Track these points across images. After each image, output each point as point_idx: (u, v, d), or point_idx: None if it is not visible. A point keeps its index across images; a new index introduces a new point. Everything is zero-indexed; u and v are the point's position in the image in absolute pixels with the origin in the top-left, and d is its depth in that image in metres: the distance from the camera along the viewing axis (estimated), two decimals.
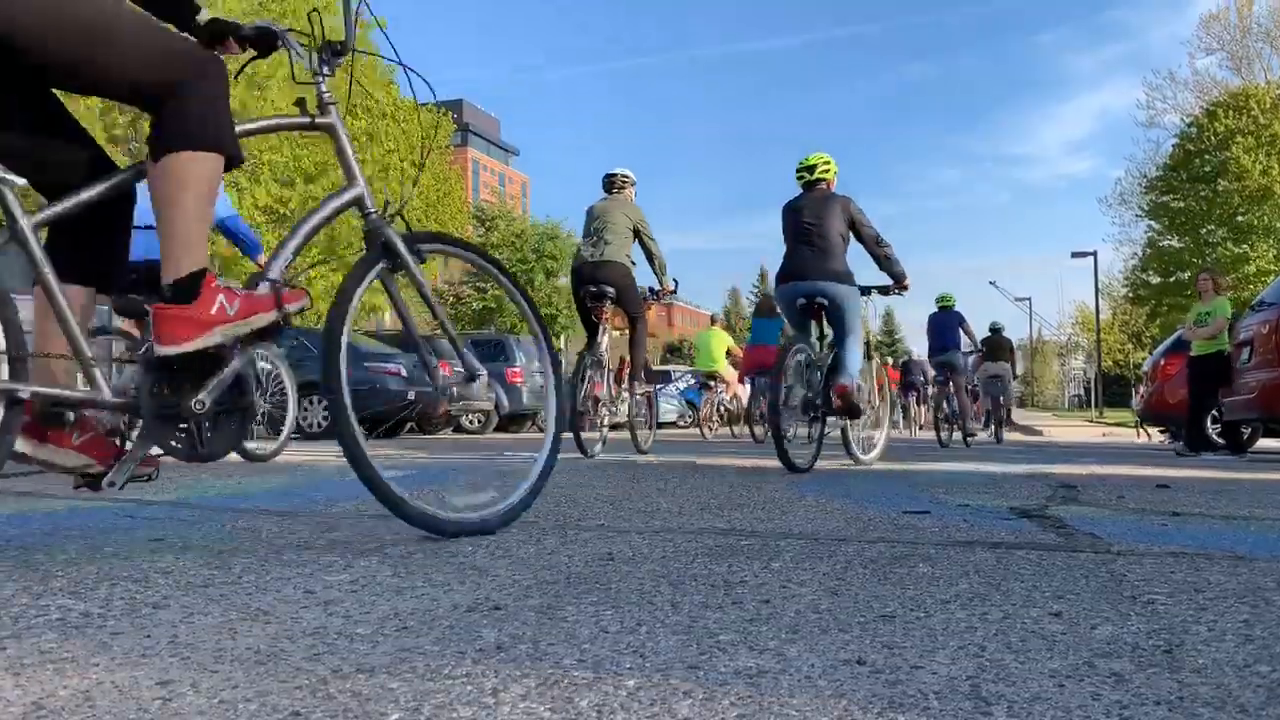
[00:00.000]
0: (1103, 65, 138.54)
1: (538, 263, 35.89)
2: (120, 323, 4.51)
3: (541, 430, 3.07)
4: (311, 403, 10.43)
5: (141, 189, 2.02)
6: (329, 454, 5.92)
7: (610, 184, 6.53)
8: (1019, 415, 25.82)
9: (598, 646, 1.22)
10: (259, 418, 5.18)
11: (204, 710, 0.95)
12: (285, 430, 5.48)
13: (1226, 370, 8.55)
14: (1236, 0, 34.22)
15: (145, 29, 1.84)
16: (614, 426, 6.67)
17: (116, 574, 1.68)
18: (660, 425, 20.89)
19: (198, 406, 1.84)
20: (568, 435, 2.60)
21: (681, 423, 22.32)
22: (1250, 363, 7.69)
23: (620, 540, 2.17)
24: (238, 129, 1.96)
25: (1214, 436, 9.24)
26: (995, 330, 13.68)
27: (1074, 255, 32.25)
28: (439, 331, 2.18)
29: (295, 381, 5.66)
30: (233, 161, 1.91)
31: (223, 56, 2.04)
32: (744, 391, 12.39)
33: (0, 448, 1.68)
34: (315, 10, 2.24)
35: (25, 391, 1.70)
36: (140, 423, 1.87)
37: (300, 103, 2.22)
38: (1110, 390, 40.24)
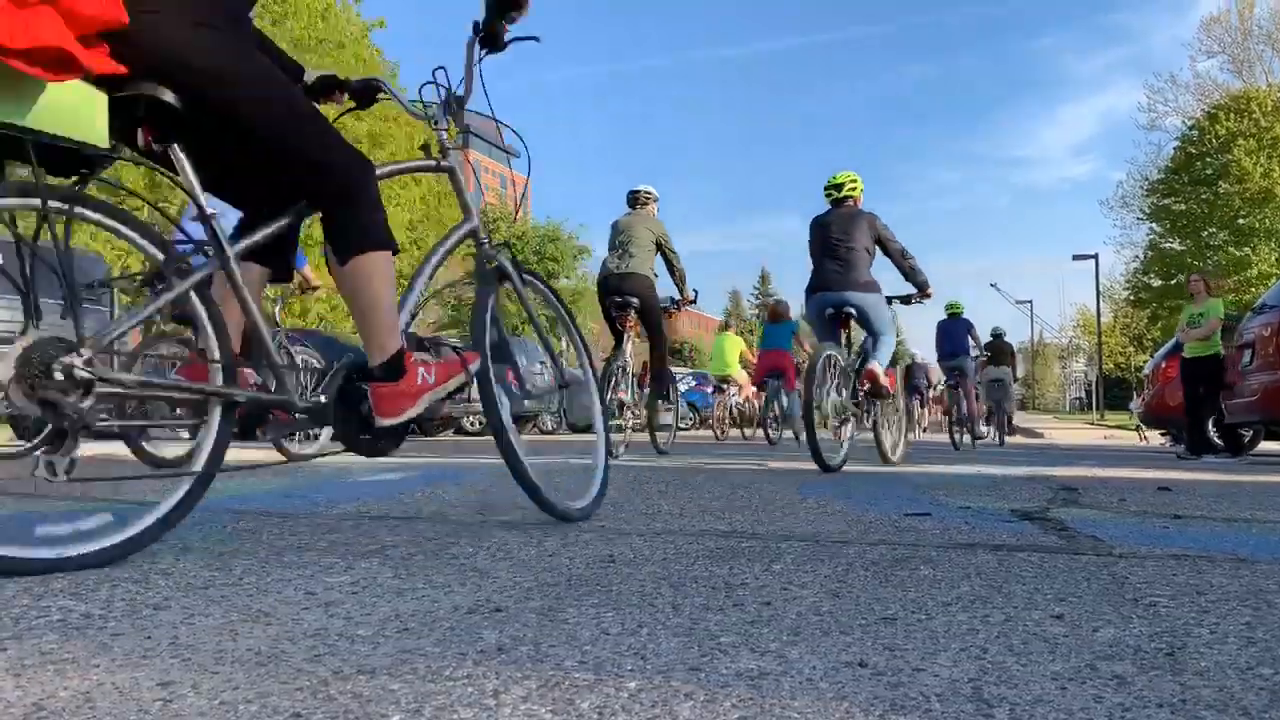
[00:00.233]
0: (1104, 68, 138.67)
1: (539, 264, 35.92)
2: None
3: (544, 432, 3.28)
4: None
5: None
6: (331, 456, 5.85)
7: (634, 200, 6.83)
8: (1020, 418, 25.91)
9: (599, 648, 1.22)
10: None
11: (205, 711, 0.95)
12: (325, 433, 5.43)
13: (1221, 372, 8.52)
14: (1238, 3, 34.25)
15: (333, 131, 2.13)
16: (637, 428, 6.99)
17: (117, 575, 1.68)
18: (663, 427, 20.88)
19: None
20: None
21: (683, 425, 22.26)
22: (1252, 365, 7.68)
23: (621, 542, 2.17)
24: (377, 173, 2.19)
25: (1214, 439, 9.22)
26: (997, 335, 14.07)
27: (1075, 258, 32.24)
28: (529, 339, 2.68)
29: None
30: (395, 251, 2.18)
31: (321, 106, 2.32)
32: (751, 394, 12.72)
33: (220, 446, 1.98)
34: (441, 67, 2.49)
35: (241, 396, 2.02)
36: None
37: (425, 148, 2.56)
38: (1111, 393, 40.20)
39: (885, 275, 6.41)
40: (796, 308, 12.32)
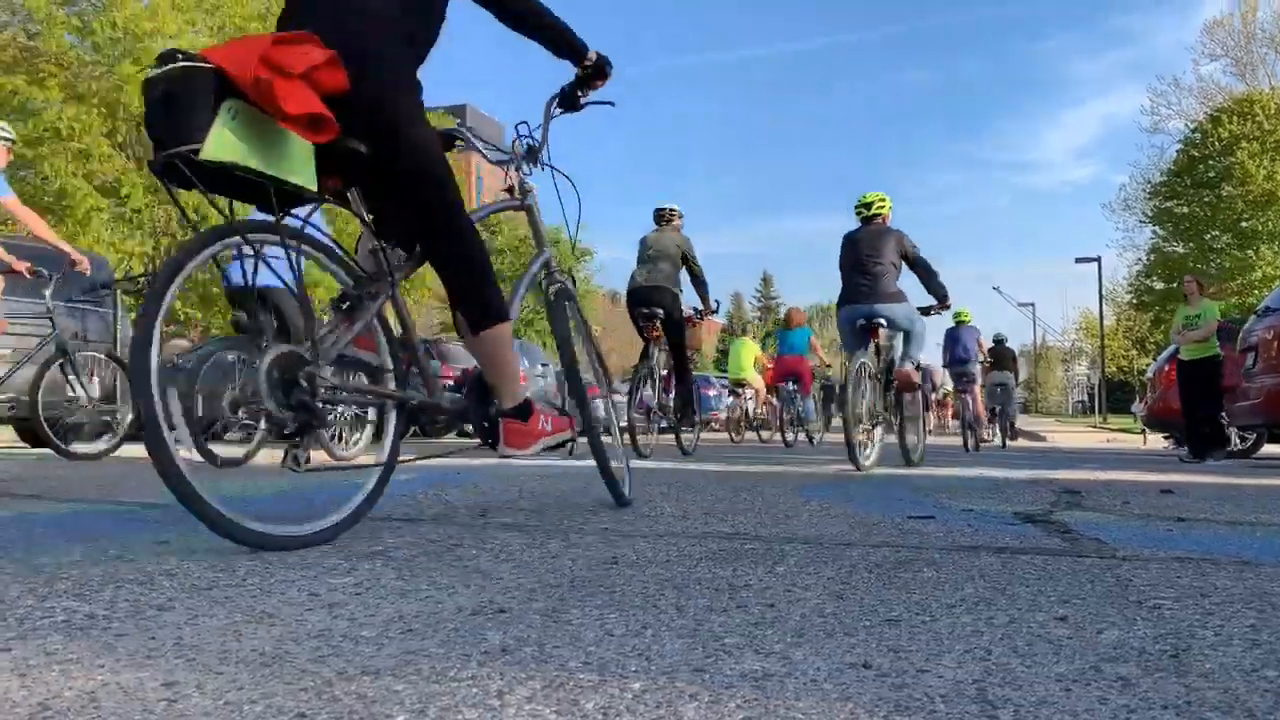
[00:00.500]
0: (1107, 71, 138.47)
1: None
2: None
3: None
4: None
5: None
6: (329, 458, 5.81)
7: (660, 217, 7.32)
8: (1023, 421, 26.05)
9: (603, 649, 1.22)
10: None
11: (209, 712, 0.95)
12: (364, 436, 5.59)
13: (1219, 373, 8.45)
14: (1241, 6, 34.24)
15: (464, 207, 2.48)
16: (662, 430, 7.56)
17: (121, 576, 1.68)
18: (665, 430, 20.91)
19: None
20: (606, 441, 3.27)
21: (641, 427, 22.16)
22: (1256, 369, 7.67)
23: (624, 544, 2.17)
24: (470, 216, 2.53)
25: (1227, 433, 9.10)
26: (999, 341, 14.60)
27: (1078, 261, 32.25)
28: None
29: None
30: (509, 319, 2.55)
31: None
32: (765, 398, 13.18)
33: (397, 442, 2.41)
34: (524, 122, 2.90)
35: (416, 399, 2.41)
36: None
37: (510, 189, 2.93)
38: (1114, 396, 40.15)
39: (903, 282, 6.61)
40: (798, 310, 12.57)
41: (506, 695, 1.02)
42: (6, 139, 5.64)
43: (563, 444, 2.74)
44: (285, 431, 2.12)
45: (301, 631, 1.29)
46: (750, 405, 13.29)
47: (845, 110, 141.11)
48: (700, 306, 7.65)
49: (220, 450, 4.94)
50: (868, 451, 5.58)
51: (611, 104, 2.99)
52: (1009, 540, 2.33)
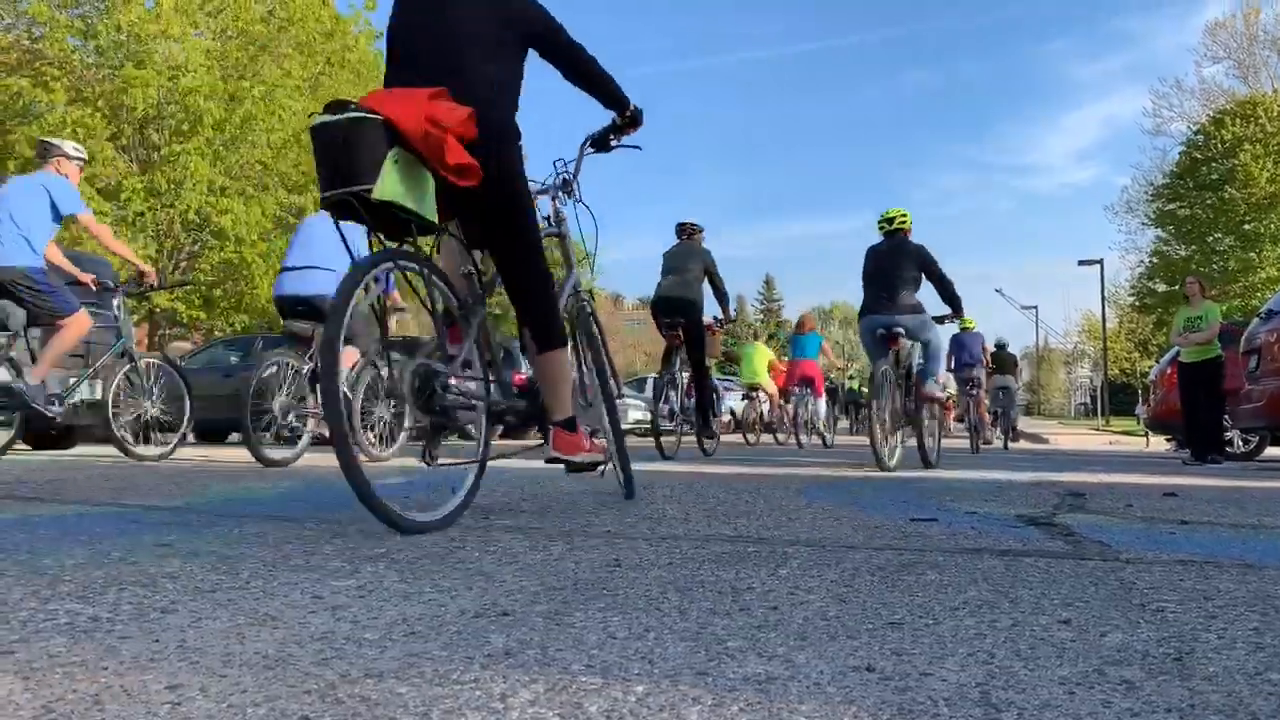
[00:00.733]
0: (1109, 74, 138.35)
1: None
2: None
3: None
4: None
5: (319, 235, 4.04)
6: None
7: (682, 231, 7.73)
8: (1026, 423, 26.19)
9: (606, 652, 1.22)
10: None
11: (213, 714, 0.96)
12: (402, 437, 5.86)
13: (1221, 375, 8.36)
14: (1243, 8, 34.22)
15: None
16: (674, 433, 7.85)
17: (124, 578, 1.68)
18: (666, 432, 20.93)
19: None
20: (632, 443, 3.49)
21: (688, 430, 22.27)
22: (1260, 371, 7.66)
23: (627, 547, 2.17)
24: None
25: (1228, 436, 9.06)
26: (1000, 346, 15.16)
27: (1080, 263, 32.21)
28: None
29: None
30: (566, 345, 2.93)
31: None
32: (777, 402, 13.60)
33: (488, 443, 2.77)
34: (560, 159, 3.23)
35: (502, 404, 2.81)
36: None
37: (546, 217, 3.21)
38: (1117, 398, 40.10)
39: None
40: (797, 314, 12.80)
41: (509, 698, 1.02)
42: (79, 159, 5.84)
43: (595, 465, 2.98)
44: (420, 431, 2.60)
45: (305, 634, 1.29)
46: (764, 409, 13.64)
47: (846, 113, 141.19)
48: (720, 315, 8.17)
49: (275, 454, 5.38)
50: (896, 454, 5.90)
51: (639, 148, 3.32)
52: (1012, 543, 2.33)
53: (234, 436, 12.11)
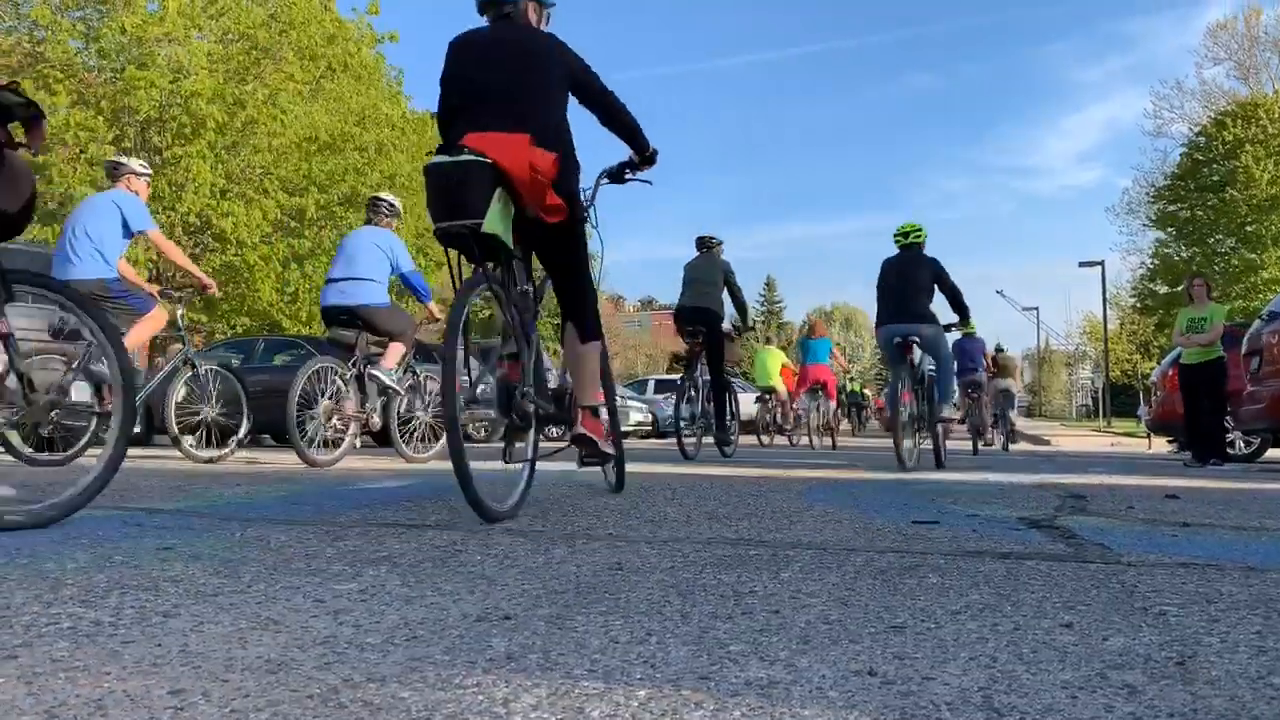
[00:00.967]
0: (1110, 76, 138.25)
1: None
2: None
3: (547, 439, 3.90)
4: None
5: (361, 248, 5.75)
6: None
7: (702, 244, 8.06)
8: (1027, 425, 26.36)
9: (608, 656, 1.22)
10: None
11: (215, 719, 0.96)
12: (439, 445, 6.30)
13: (1223, 378, 8.26)
14: (1245, 10, 34.21)
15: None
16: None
17: (126, 582, 1.69)
18: (665, 434, 20.98)
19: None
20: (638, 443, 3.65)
21: (689, 432, 22.27)
22: (1262, 373, 7.64)
23: (629, 550, 2.17)
24: None
25: (1229, 437, 8.99)
26: (999, 351, 15.78)
27: (1081, 265, 32.20)
28: None
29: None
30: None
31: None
32: (773, 403, 13.96)
33: (537, 443, 3.16)
34: (583, 188, 3.35)
35: (549, 409, 3.15)
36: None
37: None
38: (1118, 400, 40.06)
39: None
40: (799, 315, 12.98)
41: (512, 703, 1.02)
42: (145, 174, 6.03)
43: (609, 458, 3.32)
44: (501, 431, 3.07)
45: (307, 638, 1.29)
46: (778, 411, 13.94)
47: (847, 115, 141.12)
48: (738, 323, 8.65)
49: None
50: (912, 455, 6.23)
51: (650, 183, 3.66)
52: (1014, 546, 2.33)
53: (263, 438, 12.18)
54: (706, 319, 7.70)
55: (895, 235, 6.86)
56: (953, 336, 7.25)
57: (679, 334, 8.11)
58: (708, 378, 7.85)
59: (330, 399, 5.78)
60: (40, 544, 2.16)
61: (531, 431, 3.12)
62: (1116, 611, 1.54)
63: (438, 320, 7.02)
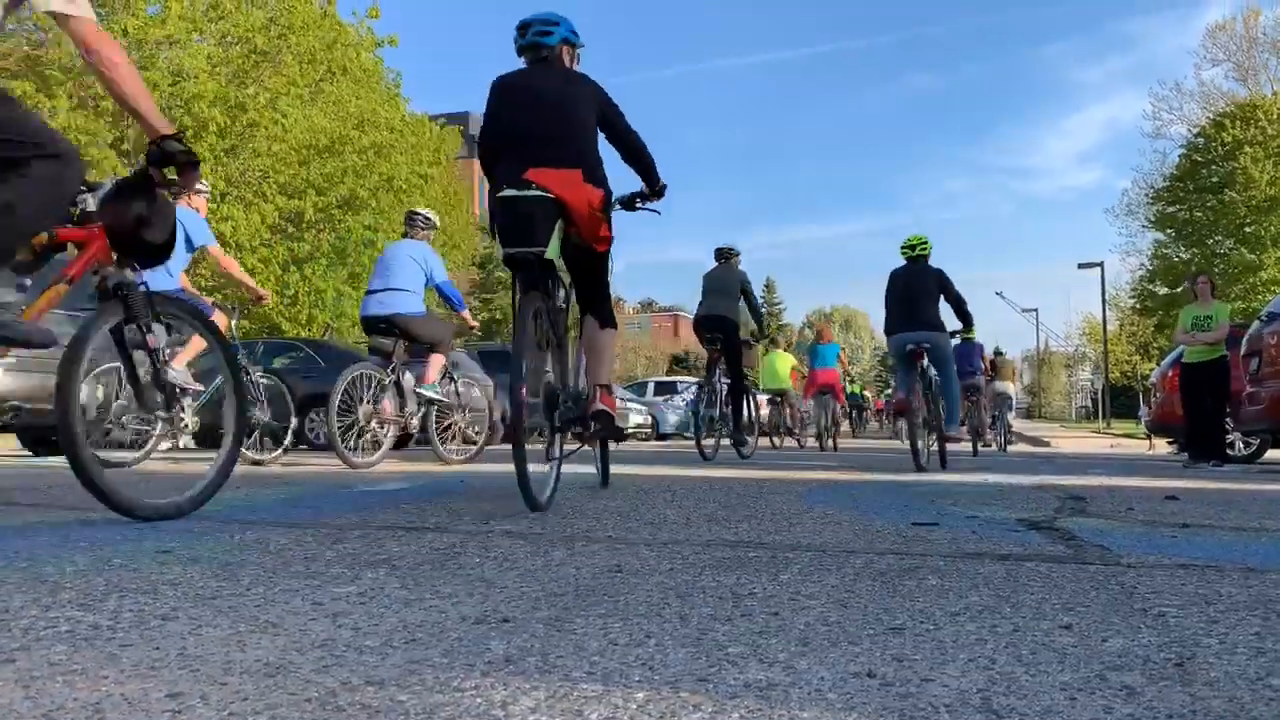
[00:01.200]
0: (1109, 77, 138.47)
1: None
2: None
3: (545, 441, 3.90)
4: (318, 415, 10.51)
5: (398, 261, 6.29)
6: (335, 465, 5.94)
7: (720, 255, 8.44)
8: (1027, 426, 26.45)
9: (607, 659, 1.22)
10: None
11: None
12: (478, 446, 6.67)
13: (1226, 377, 8.20)
14: (1243, 11, 34.24)
15: None
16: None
17: (125, 585, 1.68)
18: (665, 436, 21.00)
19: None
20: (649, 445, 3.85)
21: (688, 434, 22.32)
22: (1260, 373, 7.64)
23: (628, 552, 2.17)
24: None
25: (1229, 438, 8.95)
26: (998, 354, 16.17)
27: (1081, 266, 32.22)
28: None
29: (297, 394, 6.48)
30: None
31: None
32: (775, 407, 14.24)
33: (563, 445, 3.46)
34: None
35: (576, 412, 3.48)
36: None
37: None
38: (1118, 401, 40.07)
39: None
40: (799, 317, 13.19)
41: (510, 706, 1.02)
42: (204, 191, 6.29)
43: (623, 434, 3.85)
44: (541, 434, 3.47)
45: (305, 641, 1.29)
46: (788, 414, 14.22)
47: (847, 116, 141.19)
48: (755, 331, 9.21)
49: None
50: (925, 455, 6.57)
51: (658, 213, 4.00)
52: (1013, 547, 2.33)
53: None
54: (724, 327, 8.05)
55: (902, 248, 7.18)
56: (953, 341, 7.43)
57: (699, 341, 8.49)
58: (727, 381, 8.21)
59: (369, 404, 6.08)
60: (39, 547, 2.15)
61: (560, 435, 3.46)
62: (1116, 613, 1.54)
63: (473, 327, 7.53)
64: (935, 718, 0.99)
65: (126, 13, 16.57)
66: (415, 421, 6.37)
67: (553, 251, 3.26)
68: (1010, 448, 14.56)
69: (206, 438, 6.61)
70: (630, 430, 18.44)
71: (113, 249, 2.73)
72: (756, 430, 9.41)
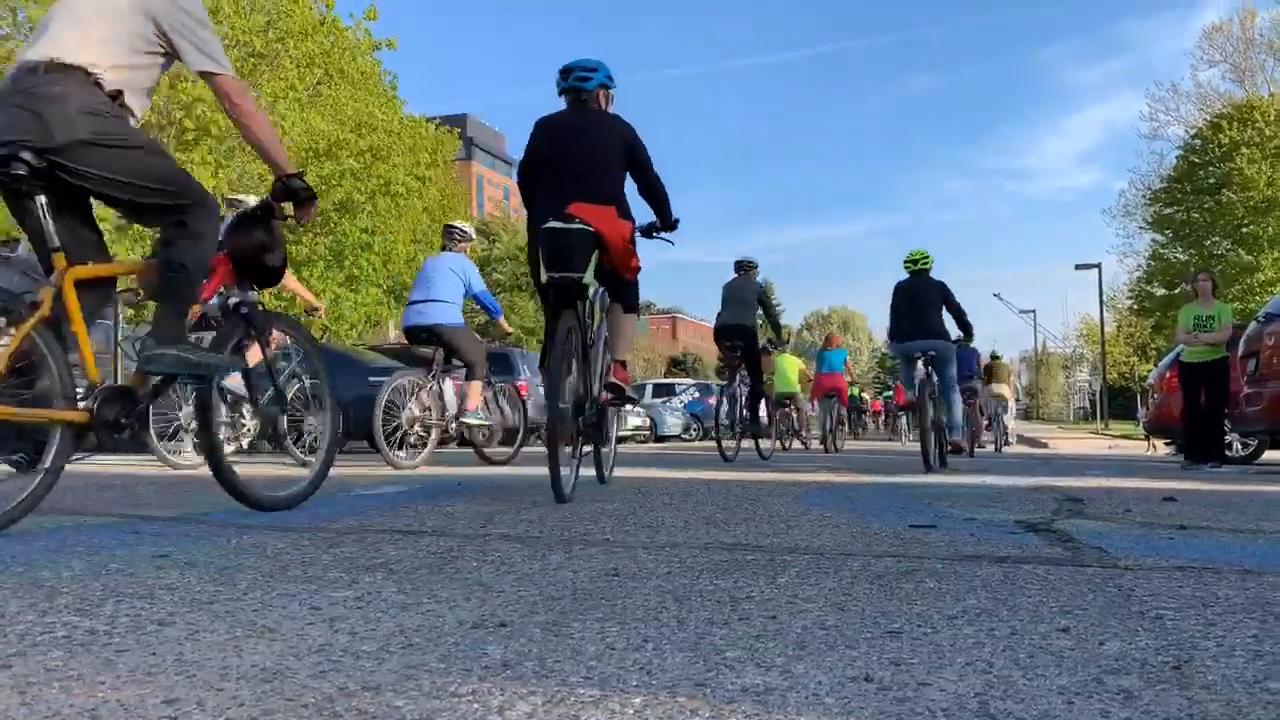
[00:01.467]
0: (1108, 78, 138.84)
1: None
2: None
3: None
4: None
5: (438, 273, 6.65)
6: (335, 466, 5.91)
7: (739, 267, 8.88)
8: (1025, 427, 26.55)
9: (604, 664, 1.22)
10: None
11: None
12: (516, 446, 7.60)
13: (1226, 378, 8.15)
14: (1240, 12, 34.31)
15: None
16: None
17: (122, 590, 1.68)
18: (663, 438, 21.00)
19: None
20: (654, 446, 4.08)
21: (686, 435, 22.33)
22: (1258, 374, 7.65)
23: (625, 556, 2.17)
24: None
25: (1227, 439, 8.92)
26: (994, 357, 16.72)
27: (1078, 267, 32.24)
28: None
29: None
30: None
31: None
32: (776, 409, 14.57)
33: (580, 453, 3.91)
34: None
35: (595, 420, 3.99)
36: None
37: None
38: (1115, 402, 40.06)
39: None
40: (797, 319, 13.46)
41: (507, 710, 1.02)
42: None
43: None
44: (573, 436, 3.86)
45: (302, 646, 1.29)
46: (796, 417, 14.49)
47: (847, 117, 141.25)
48: (773, 339, 9.99)
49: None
50: (933, 455, 6.91)
51: (672, 243, 4.53)
52: (1011, 550, 2.33)
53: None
54: (743, 335, 8.51)
55: (905, 262, 7.68)
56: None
57: (719, 349, 9.03)
58: (747, 386, 8.69)
59: (411, 409, 6.46)
60: (36, 552, 2.15)
61: (579, 438, 3.88)
62: (1113, 615, 1.54)
63: (509, 334, 8.12)
64: None
65: None
66: (454, 427, 6.76)
67: (590, 279, 3.74)
68: (1007, 448, 14.93)
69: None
70: (629, 433, 18.41)
71: (235, 272, 3.16)
72: (774, 432, 9.98)
